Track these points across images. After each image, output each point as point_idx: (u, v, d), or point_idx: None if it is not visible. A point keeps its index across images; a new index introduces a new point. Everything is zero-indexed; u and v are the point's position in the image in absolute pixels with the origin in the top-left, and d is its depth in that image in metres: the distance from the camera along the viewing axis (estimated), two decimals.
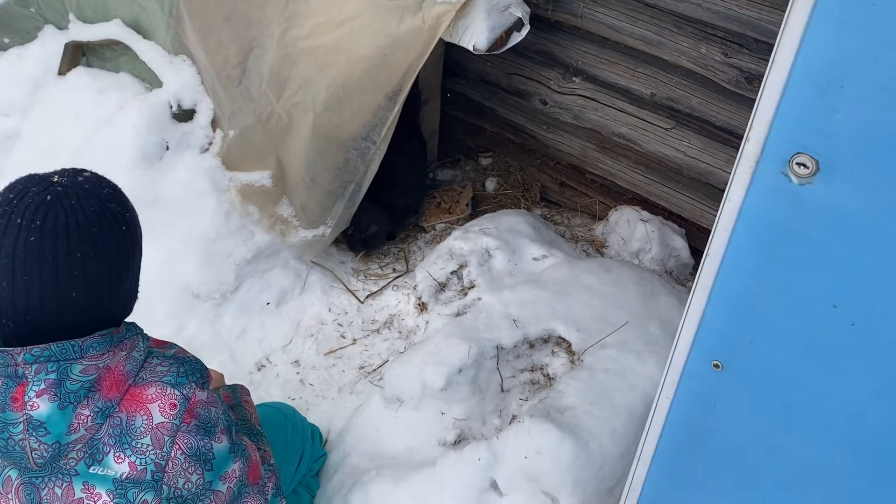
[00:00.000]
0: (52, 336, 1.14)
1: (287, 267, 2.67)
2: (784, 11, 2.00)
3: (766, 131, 0.79)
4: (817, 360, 0.92)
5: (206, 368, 1.33)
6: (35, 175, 1.19)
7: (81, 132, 2.69)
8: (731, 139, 2.40)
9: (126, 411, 1.18)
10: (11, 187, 1.17)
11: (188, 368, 1.27)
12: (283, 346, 2.54)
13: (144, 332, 1.29)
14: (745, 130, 2.32)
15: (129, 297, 1.27)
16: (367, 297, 2.69)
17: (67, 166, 2.61)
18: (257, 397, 2.37)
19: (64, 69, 2.85)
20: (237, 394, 1.65)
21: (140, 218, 1.30)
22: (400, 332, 2.55)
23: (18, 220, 1.11)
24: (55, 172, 1.20)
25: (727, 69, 2.23)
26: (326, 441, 2.20)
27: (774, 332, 0.94)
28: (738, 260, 0.90)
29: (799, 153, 0.79)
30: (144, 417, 1.18)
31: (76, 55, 2.86)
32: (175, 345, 1.37)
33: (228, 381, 2.43)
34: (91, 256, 1.15)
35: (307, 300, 2.66)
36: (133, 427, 1.18)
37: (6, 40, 3.03)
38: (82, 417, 1.15)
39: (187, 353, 1.36)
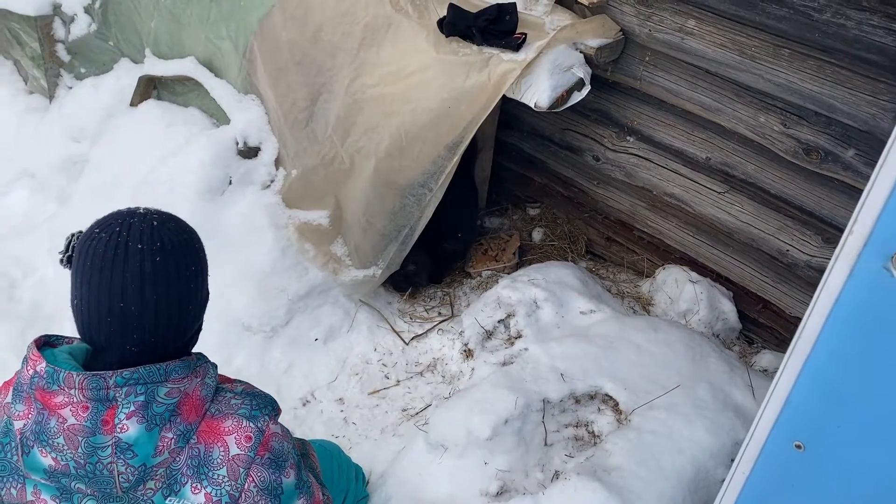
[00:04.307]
0: (146, 362, 1.21)
1: (337, 304, 2.73)
2: (846, 87, 2.04)
3: (871, 227, 0.83)
4: None
5: (276, 402, 1.38)
6: (120, 211, 1.27)
7: (148, 162, 2.80)
8: (785, 207, 2.42)
9: (204, 443, 1.22)
10: (107, 224, 1.24)
11: (260, 402, 1.32)
12: (329, 383, 2.58)
13: (212, 361, 1.34)
14: (800, 201, 2.34)
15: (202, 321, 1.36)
16: (412, 338, 2.73)
17: (132, 195, 2.69)
18: (301, 433, 2.41)
19: (136, 101, 2.98)
20: (305, 446, 1.70)
21: None
22: (443, 377, 2.57)
23: (140, 246, 1.20)
24: (132, 209, 1.28)
25: (785, 139, 2.26)
26: (368, 482, 2.22)
27: (863, 420, 0.95)
28: (831, 346, 0.93)
29: None
30: (221, 449, 1.23)
31: (148, 88, 2.99)
32: (242, 381, 1.42)
33: None
34: (200, 270, 1.29)
35: (354, 338, 2.70)
36: (210, 458, 1.22)
37: (83, 70, 3.18)
38: (166, 440, 1.19)
39: (255, 388, 1.41)
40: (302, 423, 2.46)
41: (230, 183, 2.68)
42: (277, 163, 2.70)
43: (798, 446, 1.02)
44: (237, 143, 2.68)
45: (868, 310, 0.88)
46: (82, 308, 1.22)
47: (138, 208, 1.28)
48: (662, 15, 2.34)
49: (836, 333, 0.92)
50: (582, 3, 2.43)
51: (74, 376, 1.16)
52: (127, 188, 2.79)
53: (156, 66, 2.92)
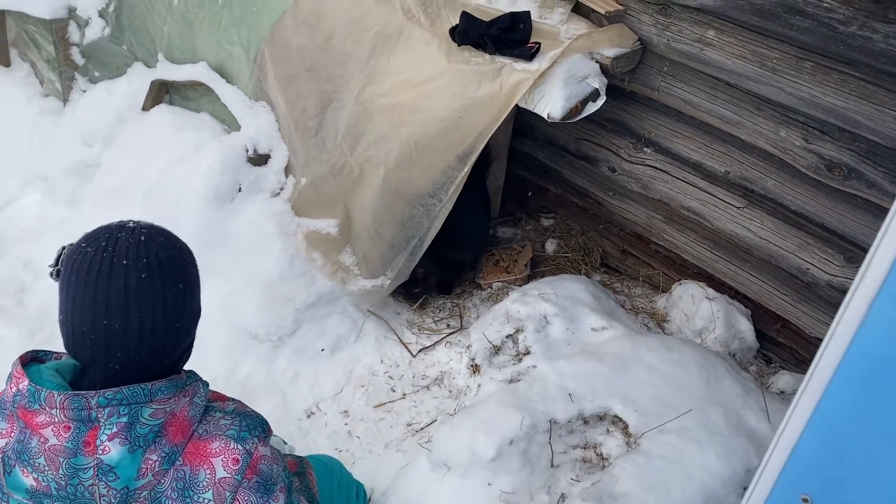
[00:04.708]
0: (132, 381, 1.17)
1: (344, 314, 2.69)
2: (871, 102, 1.96)
3: (884, 275, 0.76)
4: None
5: (268, 423, 1.34)
6: (109, 225, 1.23)
7: (158, 167, 2.79)
8: (806, 224, 2.34)
9: (190, 465, 1.19)
10: (94, 238, 1.21)
11: (250, 423, 1.28)
12: (334, 395, 2.54)
13: (203, 379, 1.30)
14: (821, 218, 2.26)
15: (193, 337, 1.31)
16: (419, 351, 2.68)
17: (142, 200, 2.68)
18: (305, 446, 2.37)
19: (148, 105, 2.97)
20: (303, 464, 1.65)
21: (206, 256, 1.35)
22: (450, 391, 2.52)
23: (125, 262, 1.16)
24: (121, 223, 1.24)
25: (807, 155, 2.18)
26: (370, 499, 2.17)
27: (874, 474, 0.89)
28: (843, 395, 0.86)
29: None
30: (207, 472, 1.19)
31: (160, 93, 2.98)
32: (235, 399, 1.38)
33: (278, 427, 2.45)
34: (188, 287, 1.24)
35: (361, 349, 2.66)
36: (196, 481, 1.18)
37: (97, 73, 3.18)
38: (150, 462, 1.16)
39: (247, 407, 1.37)
40: (306, 435, 2.43)
41: (239, 190, 2.65)
42: (287, 170, 2.67)
43: (805, 500, 0.95)
44: (247, 150, 2.65)
45: (884, 358, 0.82)
46: (67, 324, 1.20)
47: (128, 222, 1.25)
48: (681, 25, 2.27)
49: (849, 382, 0.86)
50: (599, 12, 2.36)
51: (55, 396, 1.13)
52: (137, 193, 2.78)
53: (168, 71, 2.91)
